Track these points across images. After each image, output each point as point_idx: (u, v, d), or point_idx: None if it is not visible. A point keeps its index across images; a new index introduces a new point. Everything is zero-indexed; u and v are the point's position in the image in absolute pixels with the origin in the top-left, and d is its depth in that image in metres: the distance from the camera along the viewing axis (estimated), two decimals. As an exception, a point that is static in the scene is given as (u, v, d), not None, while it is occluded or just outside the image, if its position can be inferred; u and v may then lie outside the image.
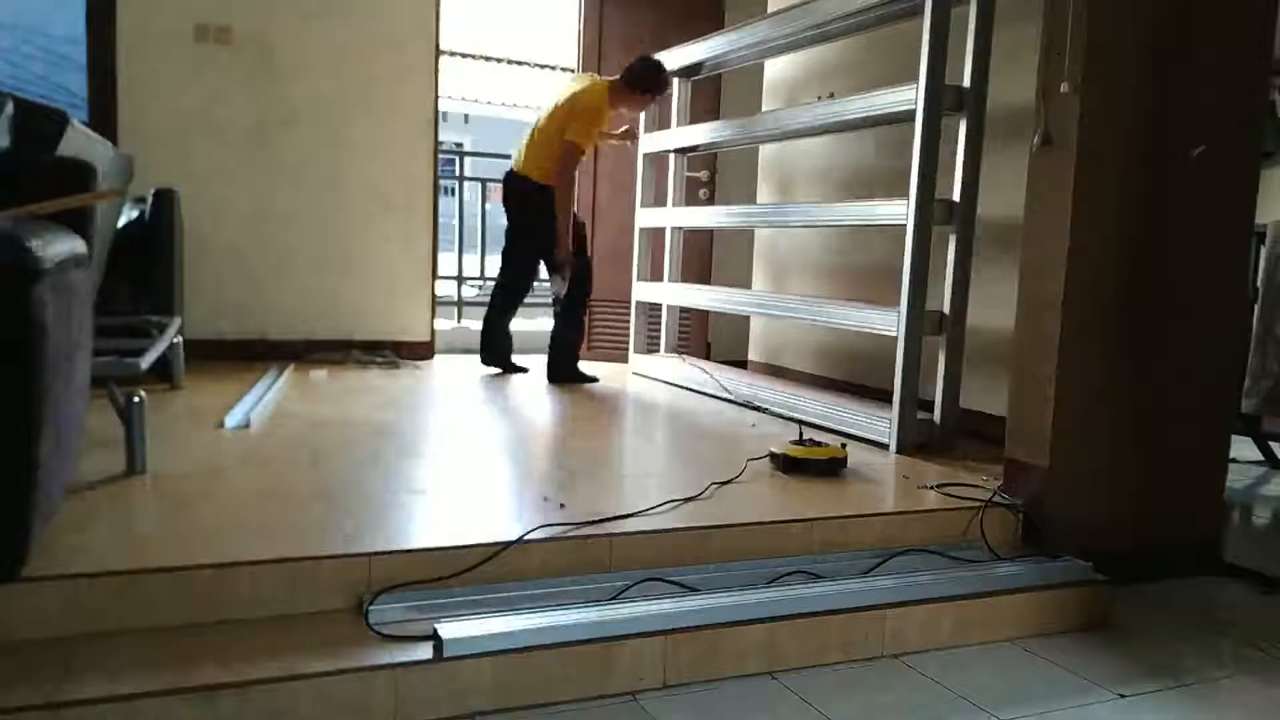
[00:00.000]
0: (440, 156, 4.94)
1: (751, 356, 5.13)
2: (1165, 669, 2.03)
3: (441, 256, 5.09)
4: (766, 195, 4.98)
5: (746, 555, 2.17)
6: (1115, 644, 2.15)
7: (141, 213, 3.80)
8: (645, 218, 4.76)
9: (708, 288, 4.80)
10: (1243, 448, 3.88)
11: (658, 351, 4.86)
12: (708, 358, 5.14)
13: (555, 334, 4.37)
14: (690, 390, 4.29)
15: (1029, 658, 2.07)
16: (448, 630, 1.68)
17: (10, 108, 2.10)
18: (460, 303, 5.94)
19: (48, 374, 1.56)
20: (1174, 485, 2.64)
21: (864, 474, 2.79)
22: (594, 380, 4.38)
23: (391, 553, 1.88)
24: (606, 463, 2.92)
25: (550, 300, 4.37)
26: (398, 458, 2.69)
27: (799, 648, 1.94)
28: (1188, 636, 2.22)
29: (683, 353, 4.90)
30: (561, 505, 2.25)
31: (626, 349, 4.96)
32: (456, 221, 6.02)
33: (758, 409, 3.79)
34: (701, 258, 5.29)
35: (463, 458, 2.83)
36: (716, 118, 4.91)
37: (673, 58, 4.49)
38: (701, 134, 4.39)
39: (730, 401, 3.98)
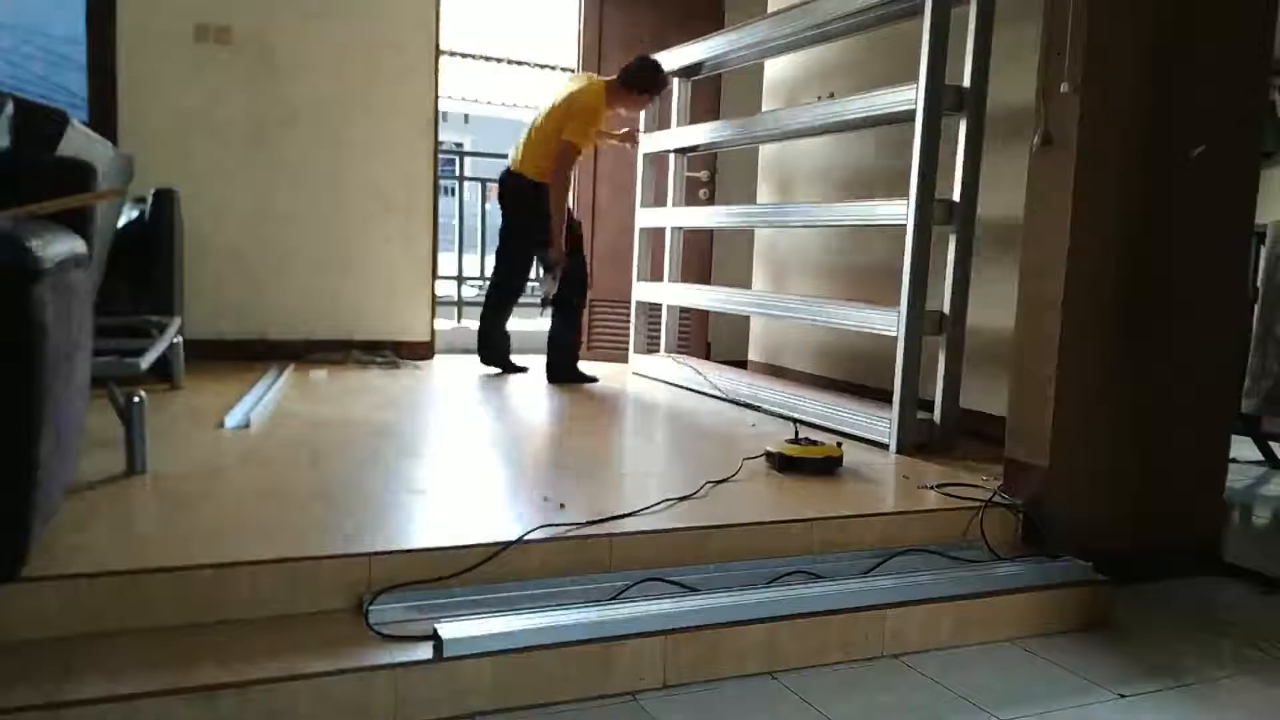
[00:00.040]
0: (440, 156, 4.94)
1: (751, 356, 5.13)
2: (1165, 669, 2.03)
3: (441, 256, 5.09)
4: (766, 195, 4.98)
5: (746, 555, 2.17)
6: (1115, 644, 2.15)
7: (141, 213, 3.80)
8: (645, 218, 4.76)
9: (708, 288, 4.80)
10: (1243, 448, 3.88)
11: (658, 351, 4.86)
12: (708, 358, 5.14)
13: (554, 334, 4.37)
14: (690, 390, 4.29)
15: (1029, 658, 2.07)
16: (448, 630, 1.68)
17: (10, 108, 2.10)
18: (460, 303, 5.95)
19: (48, 374, 1.56)
20: (1174, 485, 2.64)
21: (864, 474, 2.79)
22: (594, 380, 4.38)
23: (391, 553, 1.88)
24: (606, 463, 2.92)
25: (539, 301, 4.37)
26: (398, 458, 2.69)
27: (799, 648, 1.94)
28: (1188, 636, 2.22)
29: (682, 352, 4.90)
30: (561, 505, 2.25)
31: (626, 349, 4.96)
32: (456, 221, 6.03)
33: (757, 409, 3.79)
34: (701, 258, 5.29)
35: (463, 458, 2.83)
36: (716, 118, 4.91)
37: (673, 58, 4.48)
38: (701, 134, 4.39)
39: (730, 401, 3.98)
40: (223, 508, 2.11)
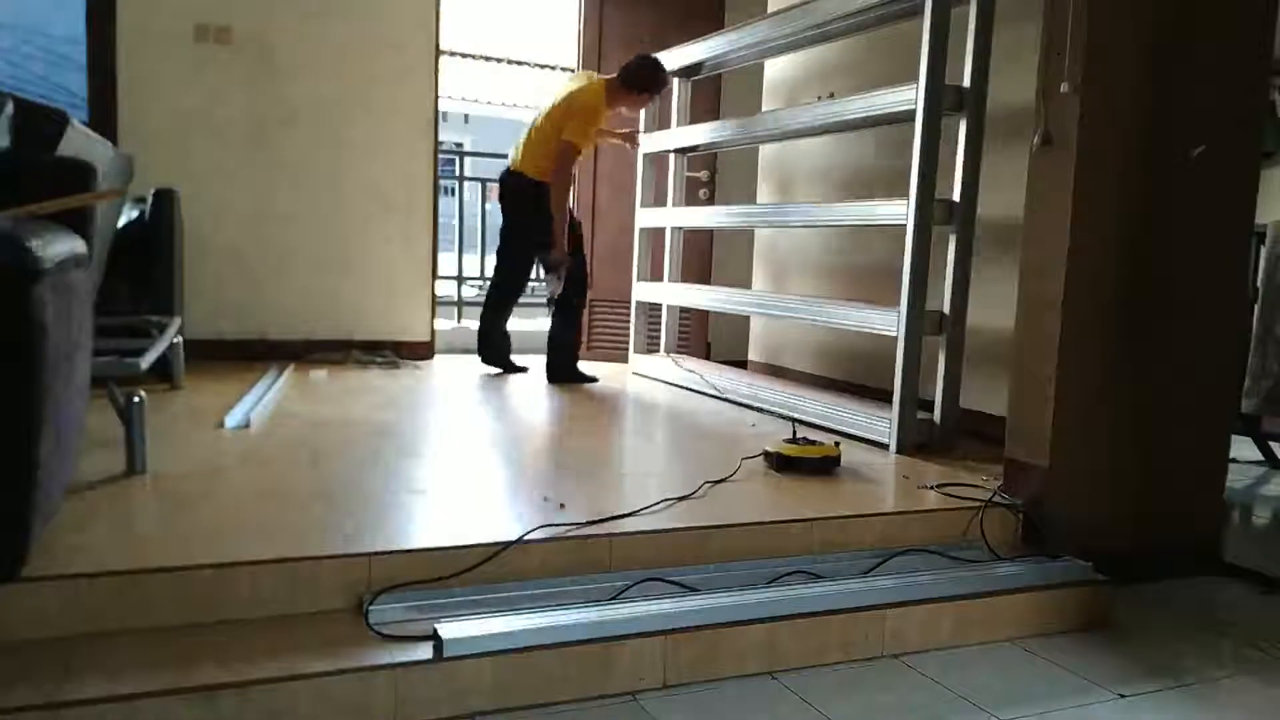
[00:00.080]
0: (440, 156, 4.94)
1: (751, 356, 5.13)
2: (1165, 669, 2.03)
3: (441, 256, 5.09)
4: (766, 195, 4.98)
5: (746, 555, 2.17)
6: (1115, 644, 2.15)
7: (141, 213, 3.80)
8: (645, 218, 4.76)
9: (708, 288, 4.80)
10: (1243, 448, 3.88)
11: (658, 351, 4.86)
12: (708, 358, 5.14)
13: (554, 334, 4.37)
14: (690, 390, 4.28)
15: (1029, 658, 2.07)
16: (448, 630, 1.68)
17: (10, 108, 2.10)
18: (460, 303, 5.95)
19: (48, 374, 1.56)
20: (1174, 485, 2.64)
21: (864, 474, 2.79)
22: (594, 380, 4.38)
23: (391, 553, 1.88)
24: (606, 463, 2.92)
25: (545, 301, 4.37)
26: (398, 458, 2.69)
27: (799, 648, 1.94)
28: (1188, 636, 2.22)
29: (682, 352, 4.90)
30: (561, 505, 2.25)
31: (626, 349, 4.96)
32: (456, 221, 6.03)
33: (757, 409, 3.79)
34: (701, 258, 5.29)
35: (463, 458, 2.83)
36: (716, 118, 4.91)
37: (673, 58, 4.48)
38: (701, 134, 4.39)
39: (730, 401, 3.98)
40: (223, 508, 2.11)
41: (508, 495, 2.42)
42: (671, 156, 4.74)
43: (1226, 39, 2.55)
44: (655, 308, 4.86)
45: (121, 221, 3.44)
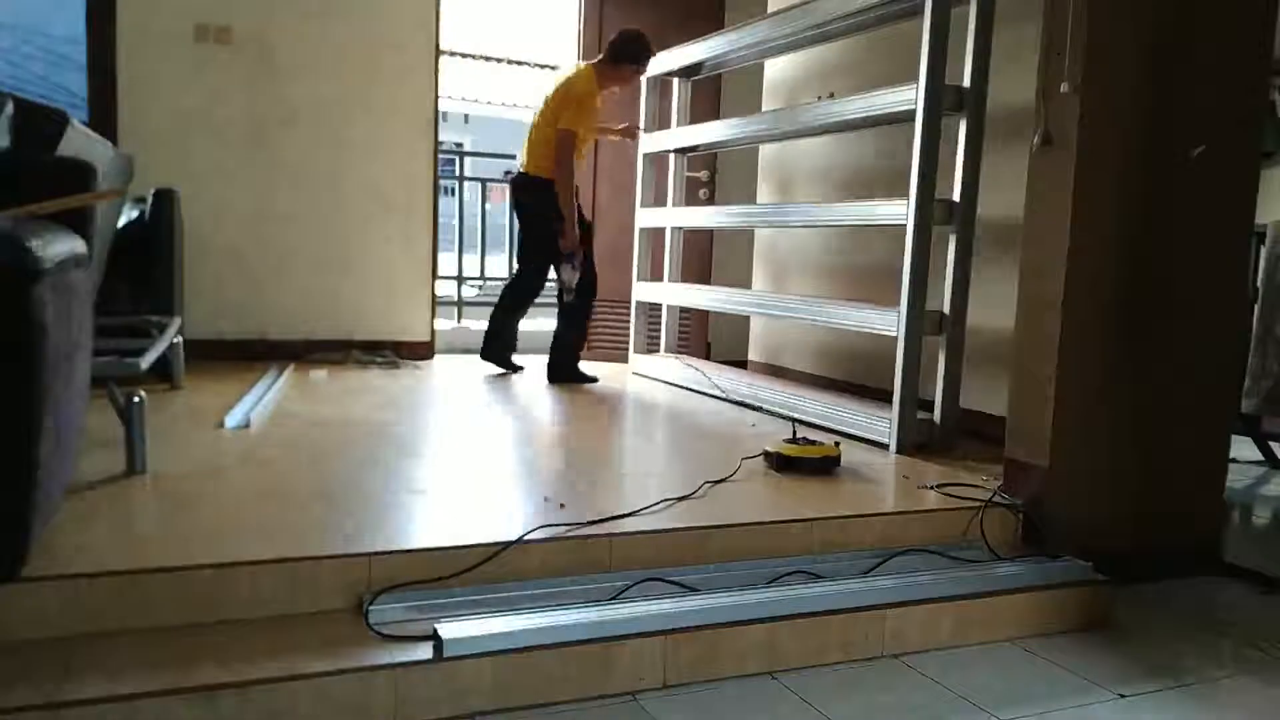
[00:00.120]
0: (440, 156, 4.94)
1: (751, 356, 5.13)
2: (1165, 669, 2.03)
3: (441, 256, 5.09)
4: (766, 195, 4.98)
5: (746, 555, 2.17)
6: (1115, 644, 2.15)
7: (141, 213, 3.80)
8: (645, 218, 4.76)
9: (708, 288, 4.81)
10: (1243, 448, 3.88)
11: (658, 351, 4.86)
12: (708, 358, 5.14)
13: (557, 334, 4.37)
14: (690, 390, 4.29)
15: (1029, 658, 2.07)
16: (448, 630, 1.68)
17: (10, 108, 2.10)
18: (460, 303, 5.94)
19: (48, 374, 1.56)
20: (1174, 485, 2.64)
21: (864, 474, 2.79)
22: (594, 380, 4.37)
23: (391, 553, 1.88)
24: (606, 463, 2.92)
25: (556, 294, 4.32)
26: (398, 458, 2.69)
27: (799, 648, 1.94)
28: (1188, 636, 2.22)
29: (682, 352, 4.90)
30: (561, 505, 2.25)
31: (626, 349, 4.96)
32: (456, 221, 6.02)
33: (757, 409, 3.79)
34: (701, 258, 5.29)
35: (463, 458, 2.83)
36: (716, 118, 4.91)
37: (673, 58, 4.49)
38: (701, 134, 4.39)
39: (730, 401, 3.98)
40: (223, 508, 2.11)
41: (508, 495, 2.42)
42: (671, 156, 4.74)
43: (1226, 39, 2.55)
44: (655, 308, 4.86)
45: (121, 221, 3.44)
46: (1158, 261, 2.54)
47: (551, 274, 4.35)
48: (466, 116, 23.61)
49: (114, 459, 2.38)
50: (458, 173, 6.21)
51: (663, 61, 4.58)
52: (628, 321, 4.98)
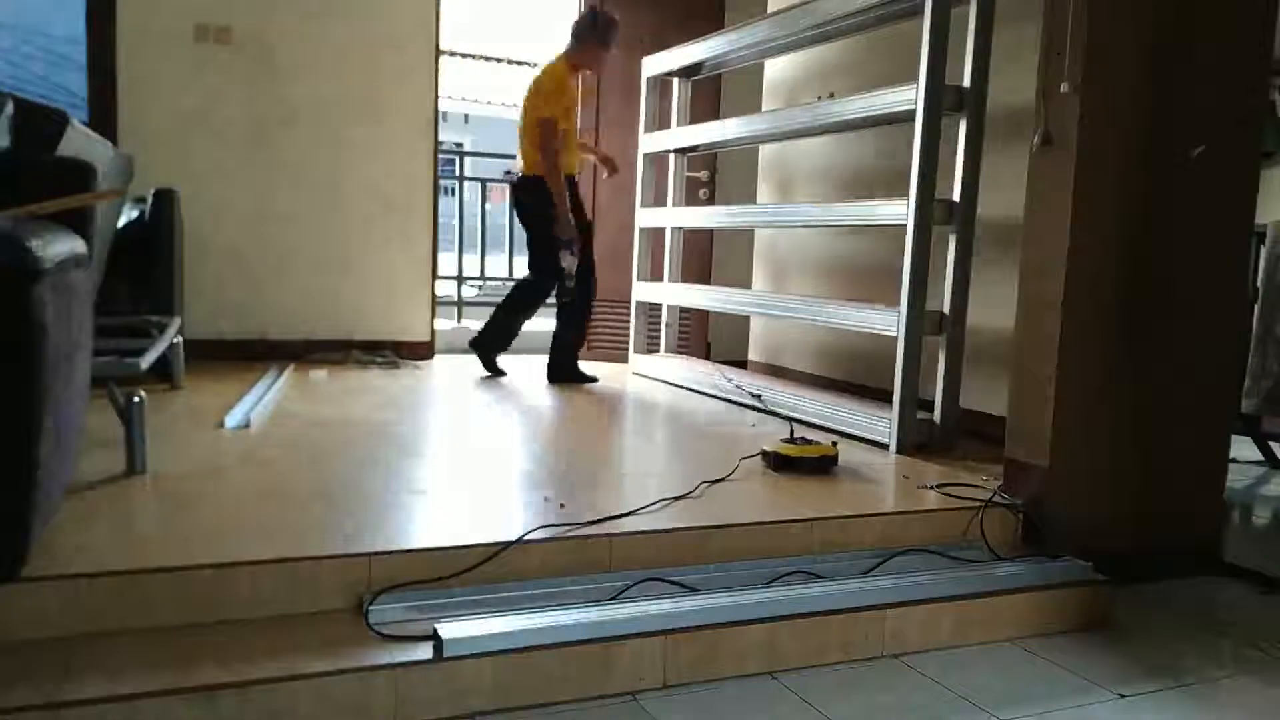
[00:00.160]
0: (440, 156, 4.94)
1: (751, 356, 5.13)
2: (1165, 669, 2.03)
3: (441, 256, 5.09)
4: (766, 195, 4.98)
5: (746, 555, 2.17)
6: (1115, 644, 2.15)
7: (141, 213, 3.80)
8: (645, 218, 4.76)
9: (708, 288, 4.81)
10: (1243, 448, 3.88)
11: (658, 351, 4.86)
12: (708, 358, 5.14)
13: (557, 334, 4.37)
14: (690, 390, 4.29)
15: (1029, 658, 2.07)
16: (448, 630, 1.68)
17: (10, 108, 2.10)
18: (460, 303, 5.94)
19: (48, 374, 1.56)
20: (1174, 485, 2.64)
21: (864, 474, 2.79)
22: (594, 380, 4.37)
23: (391, 553, 1.88)
24: (606, 462, 2.92)
25: (557, 294, 4.28)
26: (398, 458, 2.69)
27: (799, 648, 1.94)
28: (1188, 636, 2.22)
29: (682, 352, 4.90)
30: (561, 505, 2.25)
31: (626, 349, 4.96)
32: (456, 221, 6.02)
33: (757, 409, 3.79)
34: (701, 258, 5.29)
35: (463, 458, 2.83)
36: (716, 118, 4.91)
37: (673, 58, 4.49)
38: (701, 134, 4.39)
39: (730, 401, 3.98)
40: (223, 508, 2.11)
41: (508, 495, 2.42)
42: (671, 156, 4.75)
43: (1226, 39, 2.55)
44: (655, 308, 4.86)
45: (121, 221, 3.44)
46: (1158, 261, 2.54)
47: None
48: (466, 116, 23.61)
49: (114, 459, 2.38)
50: (458, 173, 6.21)
51: (663, 61, 4.59)
52: (628, 321, 4.98)
